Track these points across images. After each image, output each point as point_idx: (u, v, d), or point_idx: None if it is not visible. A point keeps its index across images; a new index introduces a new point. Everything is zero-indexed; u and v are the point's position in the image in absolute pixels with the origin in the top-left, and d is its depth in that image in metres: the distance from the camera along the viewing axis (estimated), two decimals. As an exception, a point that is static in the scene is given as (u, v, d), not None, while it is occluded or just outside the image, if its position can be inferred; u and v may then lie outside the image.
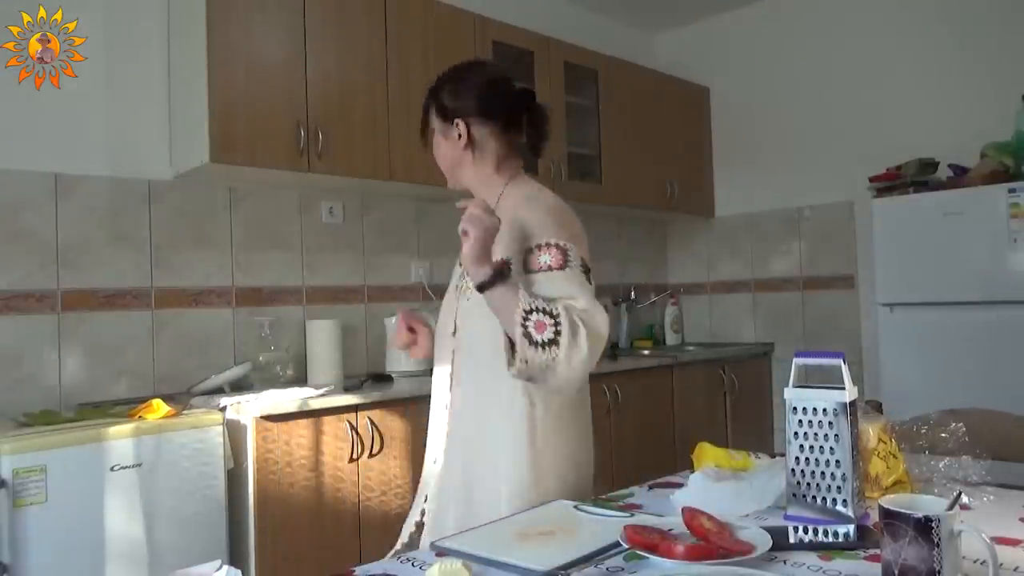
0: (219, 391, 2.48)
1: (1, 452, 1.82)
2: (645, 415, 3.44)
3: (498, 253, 1.33)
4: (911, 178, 3.27)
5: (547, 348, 1.23)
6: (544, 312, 1.24)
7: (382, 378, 2.83)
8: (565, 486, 1.38)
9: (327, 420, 2.38)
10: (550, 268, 1.33)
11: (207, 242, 2.77)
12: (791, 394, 1.11)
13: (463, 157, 1.52)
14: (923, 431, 1.35)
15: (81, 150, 2.51)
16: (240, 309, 2.83)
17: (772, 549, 1.00)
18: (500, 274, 1.27)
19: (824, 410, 1.08)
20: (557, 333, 1.23)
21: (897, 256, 3.22)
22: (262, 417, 2.24)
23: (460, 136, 1.50)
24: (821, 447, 1.08)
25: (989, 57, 3.42)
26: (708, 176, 4.45)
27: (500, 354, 1.28)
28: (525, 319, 1.23)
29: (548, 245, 1.35)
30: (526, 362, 1.24)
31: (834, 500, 1.07)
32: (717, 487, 1.28)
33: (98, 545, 1.95)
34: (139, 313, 2.61)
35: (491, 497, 1.36)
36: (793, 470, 1.10)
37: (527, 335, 1.23)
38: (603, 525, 1.15)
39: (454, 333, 1.46)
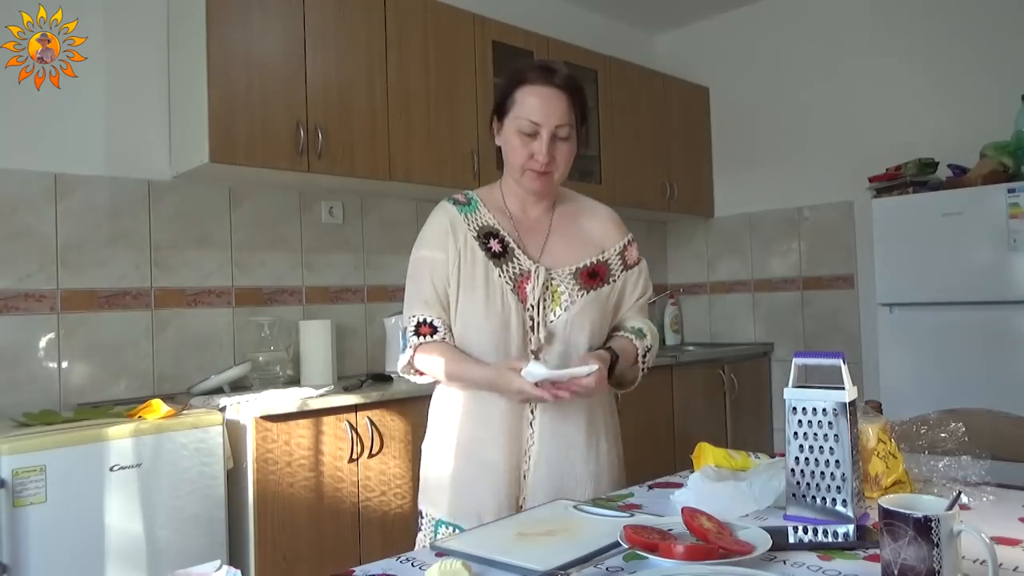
0: (219, 391, 2.48)
1: (1, 452, 1.82)
2: (645, 415, 3.43)
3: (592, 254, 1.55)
4: (911, 178, 3.27)
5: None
6: (648, 351, 1.55)
7: (382, 378, 2.83)
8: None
9: (327, 420, 2.38)
10: (636, 264, 1.59)
11: (207, 242, 2.77)
12: (791, 394, 1.11)
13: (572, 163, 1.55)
14: (923, 431, 1.35)
15: (81, 150, 2.51)
16: (240, 309, 2.83)
17: (772, 549, 1.00)
18: (612, 365, 1.46)
19: (824, 410, 1.08)
20: (651, 363, 1.58)
21: (897, 256, 3.22)
22: (262, 417, 2.24)
23: (580, 139, 1.55)
24: (821, 447, 1.08)
25: (989, 57, 3.42)
26: (708, 176, 4.45)
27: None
28: (644, 363, 1.55)
29: (631, 242, 1.62)
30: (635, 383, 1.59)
31: (834, 500, 1.07)
32: (717, 487, 1.28)
33: (98, 545, 1.95)
34: (139, 313, 2.61)
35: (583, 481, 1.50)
36: (793, 470, 1.10)
37: (644, 370, 1.57)
38: (603, 525, 1.15)
39: (535, 349, 1.45)
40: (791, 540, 1.06)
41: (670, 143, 4.15)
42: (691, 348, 4.14)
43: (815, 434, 1.09)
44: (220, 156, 2.45)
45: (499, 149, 1.53)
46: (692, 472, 1.39)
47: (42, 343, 2.41)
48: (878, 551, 0.91)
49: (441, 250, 1.48)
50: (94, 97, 2.54)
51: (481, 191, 1.60)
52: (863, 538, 1.04)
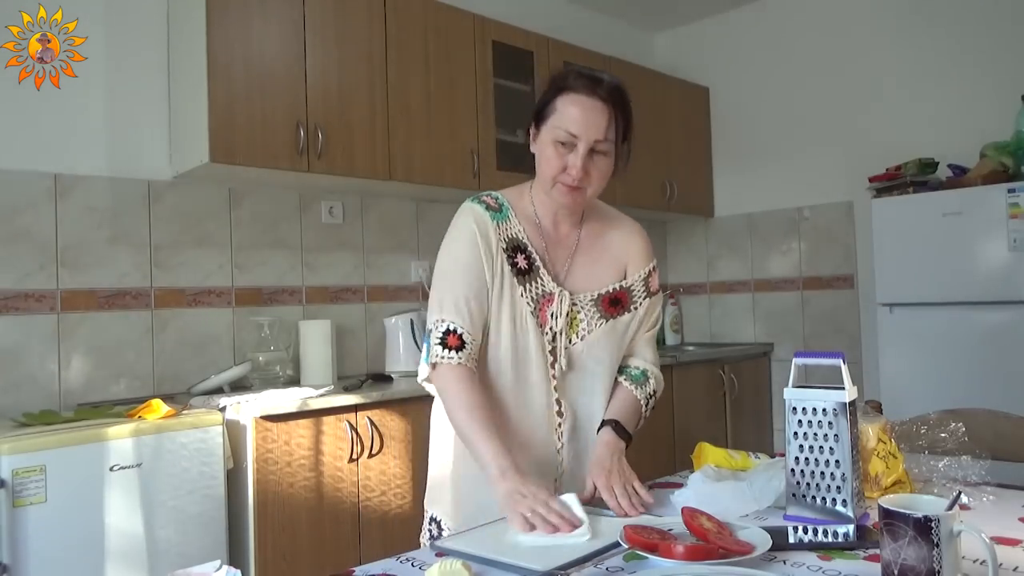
0: (219, 391, 2.48)
1: (1, 452, 1.82)
2: (645, 415, 3.44)
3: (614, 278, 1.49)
4: (911, 178, 3.27)
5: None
6: (652, 396, 1.51)
7: (382, 378, 2.83)
8: None
9: (327, 420, 2.38)
10: (657, 292, 1.54)
11: (207, 242, 2.77)
12: (791, 394, 1.11)
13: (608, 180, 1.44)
14: (923, 431, 1.35)
15: (81, 150, 2.51)
16: (240, 309, 2.83)
17: (772, 549, 1.00)
18: (623, 433, 1.42)
19: (824, 410, 1.08)
20: (654, 404, 1.54)
21: (896, 256, 3.22)
22: (262, 417, 2.24)
23: (621, 159, 1.45)
24: (821, 447, 1.08)
25: (989, 57, 3.42)
26: (708, 176, 4.46)
27: (608, 381, 1.46)
28: (646, 411, 1.50)
29: (655, 268, 1.54)
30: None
31: (834, 500, 1.07)
32: (717, 487, 1.28)
33: (98, 545, 1.95)
34: (139, 313, 2.61)
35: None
36: (793, 470, 1.10)
37: (646, 414, 1.51)
38: (603, 525, 1.15)
39: (553, 364, 1.40)
40: (791, 540, 1.06)
41: (670, 143, 4.15)
42: (691, 348, 4.15)
43: (815, 434, 1.09)
44: (220, 156, 2.45)
45: (533, 156, 1.43)
46: (692, 472, 1.39)
47: (42, 343, 2.41)
48: (878, 551, 0.91)
49: (478, 256, 1.38)
50: (94, 97, 2.54)
51: (510, 195, 1.49)
52: (863, 538, 1.04)
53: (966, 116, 3.43)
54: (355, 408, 2.45)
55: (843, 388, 1.08)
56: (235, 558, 2.23)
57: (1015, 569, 0.94)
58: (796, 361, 1.14)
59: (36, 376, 2.39)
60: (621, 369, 1.50)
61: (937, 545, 0.83)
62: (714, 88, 4.45)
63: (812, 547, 1.04)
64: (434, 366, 1.36)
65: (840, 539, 1.05)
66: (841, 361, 1.10)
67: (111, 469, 1.98)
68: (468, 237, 1.40)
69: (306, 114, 2.63)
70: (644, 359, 1.52)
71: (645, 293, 1.49)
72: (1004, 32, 3.40)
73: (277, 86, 2.58)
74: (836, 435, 1.07)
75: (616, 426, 1.41)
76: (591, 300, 1.44)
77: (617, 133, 1.39)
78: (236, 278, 2.83)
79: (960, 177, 3.18)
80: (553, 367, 1.40)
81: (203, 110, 2.43)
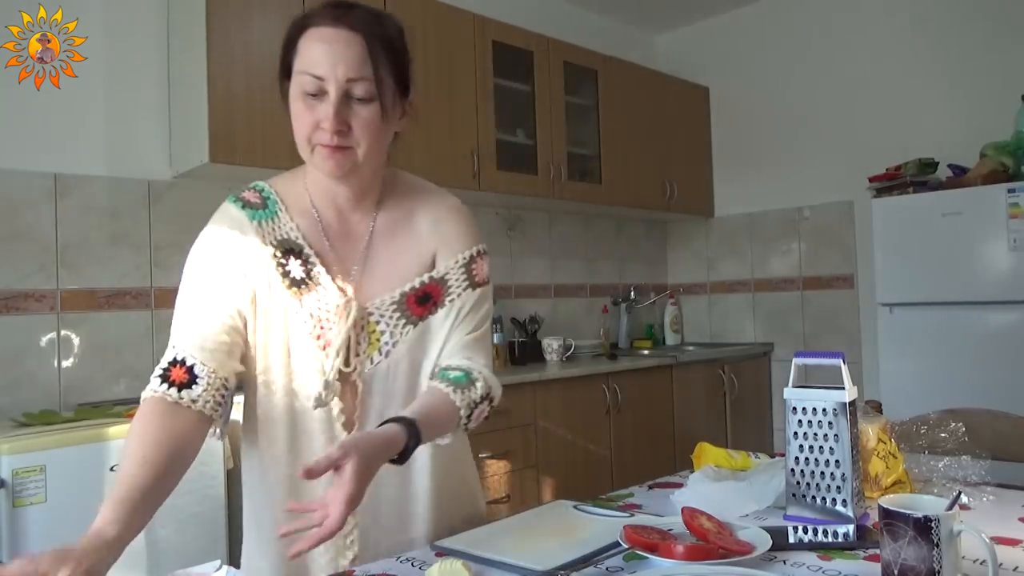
0: (219, 391, 2.47)
1: (1, 452, 1.82)
2: (645, 415, 3.44)
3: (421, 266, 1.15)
4: (911, 178, 3.27)
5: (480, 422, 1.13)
6: (480, 403, 1.10)
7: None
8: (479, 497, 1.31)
9: (327, 420, 2.38)
10: (484, 283, 1.19)
11: (207, 242, 2.76)
12: (791, 394, 1.11)
13: (387, 140, 1.13)
14: (923, 431, 1.35)
15: (80, 150, 2.51)
16: (240, 309, 2.82)
17: (772, 549, 1.00)
18: (415, 436, 0.97)
19: (824, 410, 1.08)
20: (487, 414, 1.13)
21: (897, 256, 3.22)
22: (262, 417, 2.23)
23: (403, 117, 1.14)
24: (821, 447, 1.08)
25: (989, 57, 3.42)
26: (708, 176, 4.46)
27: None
28: (467, 422, 1.09)
29: (483, 254, 1.20)
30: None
31: (834, 500, 1.07)
32: (717, 487, 1.28)
33: (98, 545, 1.95)
34: (139, 313, 2.60)
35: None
36: (793, 470, 1.10)
37: (467, 427, 1.11)
38: (603, 525, 1.15)
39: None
40: (791, 540, 1.06)
41: (670, 143, 4.15)
42: (691, 348, 4.15)
43: (815, 434, 1.09)
44: (220, 156, 2.45)
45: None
46: (692, 472, 1.39)
47: (42, 343, 2.41)
48: (878, 551, 0.91)
49: (231, 272, 1.11)
50: (94, 97, 2.54)
51: (279, 184, 1.21)
52: (863, 538, 1.04)
53: (966, 116, 3.43)
54: (355, 408, 2.44)
55: (843, 388, 1.08)
56: (235, 558, 2.22)
57: (1015, 569, 0.94)
58: (796, 361, 1.14)
59: (36, 376, 2.39)
60: (433, 373, 1.13)
61: (937, 545, 0.83)
62: (714, 88, 4.45)
63: (812, 547, 1.04)
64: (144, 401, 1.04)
65: (840, 539, 1.05)
66: (841, 361, 1.10)
67: (111, 469, 1.98)
68: (208, 253, 1.14)
69: (306, 114, 2.63)
70: (468, 359, 1.13)
71: (467, 283, 1.15)
72: (1004, 32, 3.40)
73: (277, 86, 2.57)
74: (836, 435, 1.07)
75: (407, 424, 0.96)
76: (392, 304, 1.12)
77: (383, 72, 1.06)
78: (236, 278, 2.83)
79: (960, 177, 3.18)
80: (347, 400, 1.09)
81: (203, 110, 2.43)
